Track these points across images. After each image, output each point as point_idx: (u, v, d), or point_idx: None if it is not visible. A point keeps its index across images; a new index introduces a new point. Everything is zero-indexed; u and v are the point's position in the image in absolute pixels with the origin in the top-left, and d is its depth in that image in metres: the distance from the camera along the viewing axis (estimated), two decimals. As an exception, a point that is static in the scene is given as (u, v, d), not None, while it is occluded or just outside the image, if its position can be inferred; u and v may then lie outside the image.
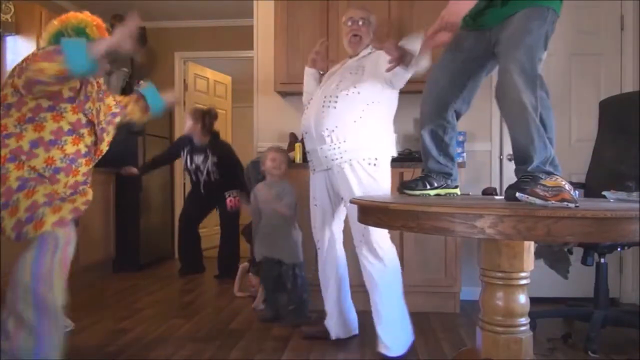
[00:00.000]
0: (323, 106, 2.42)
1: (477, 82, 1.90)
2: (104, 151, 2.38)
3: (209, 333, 2.85)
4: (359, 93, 2.38)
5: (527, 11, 1.64)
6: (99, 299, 3.64)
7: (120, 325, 2.99)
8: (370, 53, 2.52)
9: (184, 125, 4.34)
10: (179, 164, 5.46)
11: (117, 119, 2.45)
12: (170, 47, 5.54)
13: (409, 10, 3.33)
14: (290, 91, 3.60)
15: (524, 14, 1.64)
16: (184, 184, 4.85)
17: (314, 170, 2.59)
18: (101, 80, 2.43)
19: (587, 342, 2.49)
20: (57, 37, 2.15)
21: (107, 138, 2.38)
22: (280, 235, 3.07)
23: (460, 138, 3.37)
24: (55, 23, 2.21)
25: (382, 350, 2.43)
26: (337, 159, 2.40)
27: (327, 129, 2.40)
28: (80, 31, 2.19)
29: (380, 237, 2.41)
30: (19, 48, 3.75)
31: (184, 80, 5.65)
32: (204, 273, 4.61)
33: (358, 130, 2.38)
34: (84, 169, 2.19)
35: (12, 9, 3.71)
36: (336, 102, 2.39)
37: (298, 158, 3.42)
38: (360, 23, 2.53)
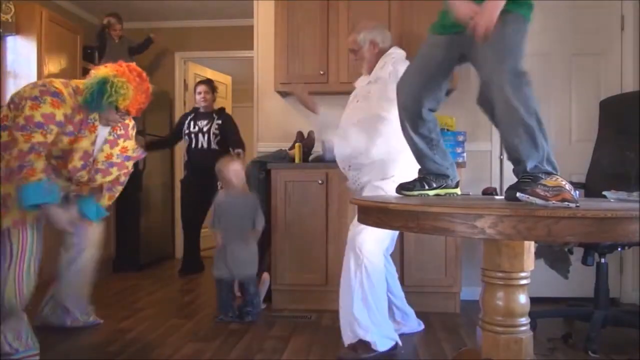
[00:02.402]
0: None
1: (446, 84, 1.91)
2: (99, 182, 2.54)
3: (209, 333, 2.85)
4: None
5: (503, 17, 1.63)
6: (99, 299, 3.64)
7: (120, 325, 2.99)
8: (377, 79, 2.58)
9: (195, 93, 4.51)
10: (179, 166, 5.47)
11: (130, 163, 2.61)
12: (170, 47, 5.54)
13: (409, 10, 3.33)
14: (291, 91, 3.60)
15: (501, 20, 1.63)
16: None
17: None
18: (128, 119, 2.55)
19: (587, 342, 2.49)
20: (92, 97, 2.30)
21: (103, 179, 2.53)
22: (249, 250, 3.12)
23: (460, 138, 3.36)
24: (93, 79, 2.34)
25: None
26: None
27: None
28: (111, 104, 2.33)
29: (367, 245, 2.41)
30: (19, 48, 3.75)
31: (184, 80, 5.65)
32: (204, 273, 4.61)
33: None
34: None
35: (12, 9, 3.71)
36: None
37: (298, 158, 3.42)
38: (355, 49, 2.66)
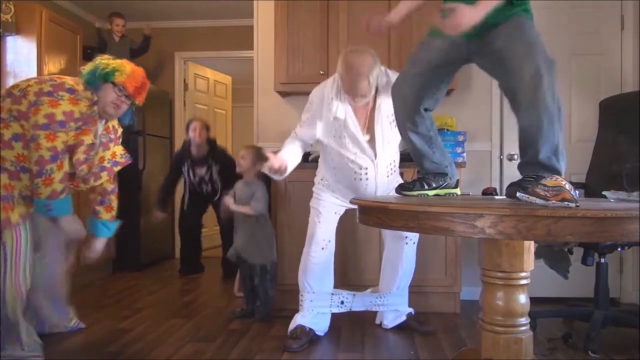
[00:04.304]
0: (388, 172, 2.69)
1: (446, 85, 1.90)
2: (82, 188, 2.49)
3: (209, 333, 2.85)
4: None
5: (517, 18, 1.66)
6: (99, 299, 3.64)
7: (120, 325, 2.99)
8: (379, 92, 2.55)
9: (189, 130, 4.30)
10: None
11: (117, 168, 2.53)
12: (170, 47, 5.54)
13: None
14: (290, 91, 3.60)
15: (515, 20, 1.65)
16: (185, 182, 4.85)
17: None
18: (117, 125, 2.55)
19: (587, 342, 2.49)
20: (90, 74, 2.30)
21: (94, 182, 2.46)
22: (249, 235, 3.15)
23: (460, 138, 3.36)
24: (91, 63, 2.34)
25: None
26: None
27: (392, 172, 2.74)
28: (107, 75, 2.30)
29: None
30: (19, 48, 3.75)
31: (184, 80, 5.65)
32: (204, 273, 4.61)
33: None
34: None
35: (12, 9, 3.70)
36: (395, 161, 2.75)
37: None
38: (367, 84, 2.44)
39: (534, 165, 1.62)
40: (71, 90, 2.23)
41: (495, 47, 1.67)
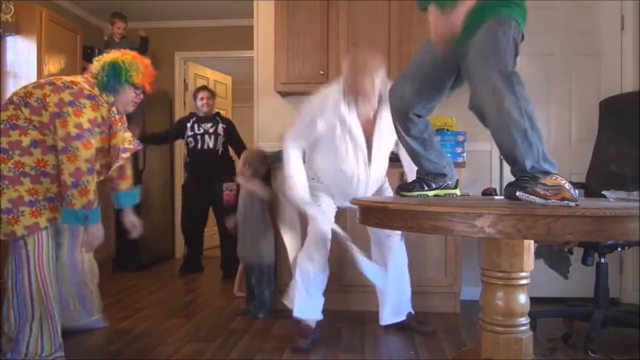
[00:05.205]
0: (381, 174, 2.74)
1: (442, 93, 1.89)
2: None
3: (209, 333, 2.85)
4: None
5: (490, 22, 1.63)
6: (99, 299, 3.63)
7: (121, 325, 2.99)
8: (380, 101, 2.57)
9: (197, 99, 4.52)
10: (179, 166, 5.47)
11: (127, 155, 2.59)
12: (170, 47, 5.54)
13: (409, 10, 3.32)
14: (290, 91, 3.60)
15: (487, 25, 1.62)
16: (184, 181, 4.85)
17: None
18: (123, 117, 2.59)
19: (587, 342, 2.48)
20: (111, 79, 2.36)
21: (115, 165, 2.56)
22: (247, 235, 3.21)
23: (460, 138, 3.36)
24: (99, 64, 2.41)
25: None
26: None
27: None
28: (129, 78, 2.38)
29: None
30: (19, 48, 3.75)
31: (184, 80, 5.65)
32: (204, 273, 4.61)
33: None
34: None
35: (12, 9, 3.71)
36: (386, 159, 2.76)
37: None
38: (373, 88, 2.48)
39: (525, 175, 1.61)
40: (91, 97, 2.28)
41: (467, 58, 1.66)
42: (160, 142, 4.83)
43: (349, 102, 2.53)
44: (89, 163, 2.19)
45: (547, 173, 1.54)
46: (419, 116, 1.85)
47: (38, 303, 2.23)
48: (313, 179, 2.71)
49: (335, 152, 2.58)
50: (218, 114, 4.62)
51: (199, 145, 4.41)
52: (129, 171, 2.75)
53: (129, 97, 2.45)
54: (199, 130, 4.41)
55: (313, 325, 2.68)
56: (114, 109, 2.41)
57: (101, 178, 2.52)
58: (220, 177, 4.06)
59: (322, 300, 2.70)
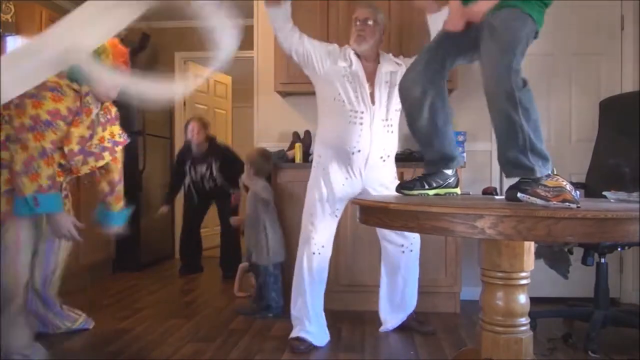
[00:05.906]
0: (383, 131, 2.64)
1: (447, 69, 1.89)
2: (82, 171, 2.49)
3: (209, 333, 2.85)
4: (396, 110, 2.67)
5: (509, 12, 1.65)
6: (99, 299, 3.64)
7: (120, 325, 2.99)
8: (399, 67, 2.66)
9: (187, 131, 4.36)
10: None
11: (119, 148, 2.57)
12: (170, 47, 5.53)
13: (409, 10, 3.33)
14: (290, 91, 3.60)
15: (506, 13, 1.64)
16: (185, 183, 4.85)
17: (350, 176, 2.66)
18: (110, 105, 2.56)
19: (587, 342, 2.49)
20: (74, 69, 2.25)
21: (95, 163, 2.49)
22: (255, 235, 3.22)
23: (460, 138, 3.36)
24: None
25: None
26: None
27: (387, 154, 2.68)
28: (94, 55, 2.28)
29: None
30: (19, 48, 3.75)
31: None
32: (204, 273, 4.61)
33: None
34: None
35: (12, 9, 3.70)
36: (392, 125, 2.68)
37: (298, 158, 3.42)
38: (370, 23, 2.62)
39: (506, 161, 1.66)
40: (53, 89, 2.24)
41: (481, 39, 1.68)
42: (178, 191, 4.66)
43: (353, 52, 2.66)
44: (39, 150, 2.16)
45: (525, 168, 1.58)
46: (433, 103, 1.85)
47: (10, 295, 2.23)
48: (319, 155, 2.72)
49: (337, 90, 2.62)
50: (211, 143, 4.40)
51: (200, 186, 4.43)
52: (122, 193, 2.70)
53: (107, 82, 2.38)
54: (196, 177, 4.39)
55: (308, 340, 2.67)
56: (88, 98, 2.36)
57: (86, 169, 2.46)
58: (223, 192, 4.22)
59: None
